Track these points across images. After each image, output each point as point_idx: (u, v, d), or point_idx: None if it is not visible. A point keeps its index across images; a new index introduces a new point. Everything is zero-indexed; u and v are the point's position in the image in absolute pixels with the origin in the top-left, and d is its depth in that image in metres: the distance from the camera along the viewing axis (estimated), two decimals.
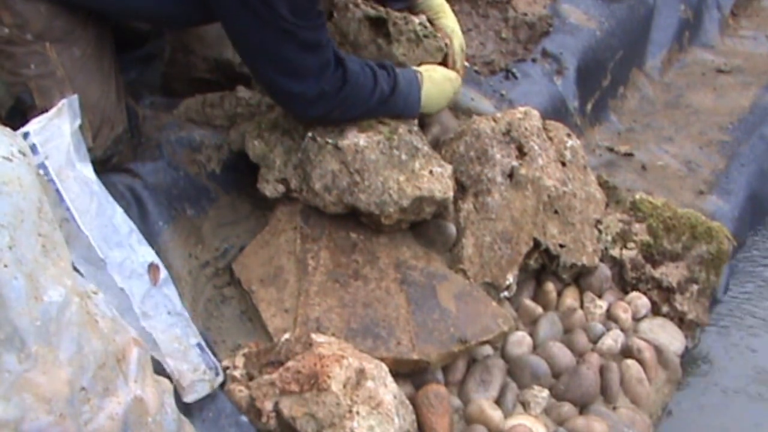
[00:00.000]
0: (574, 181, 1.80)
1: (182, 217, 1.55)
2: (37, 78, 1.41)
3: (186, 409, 1.28)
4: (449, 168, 1.62)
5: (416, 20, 1.69)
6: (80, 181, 1.21)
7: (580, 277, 1.81)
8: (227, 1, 1.35)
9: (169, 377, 1.22)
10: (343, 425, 1.26)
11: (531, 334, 1.68)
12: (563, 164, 1.81)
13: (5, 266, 0.94)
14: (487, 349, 1.63)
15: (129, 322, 1.17)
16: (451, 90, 1.67)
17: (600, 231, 1.85)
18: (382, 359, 1.40)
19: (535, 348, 1.67)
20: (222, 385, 1.35)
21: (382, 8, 1.69)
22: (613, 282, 1.86)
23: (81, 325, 1.00)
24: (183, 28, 1.76)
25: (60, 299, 0.98)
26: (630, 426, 1.59)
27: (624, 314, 1.78)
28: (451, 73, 1.67)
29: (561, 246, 1.73)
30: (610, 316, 1.79)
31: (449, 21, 1.74)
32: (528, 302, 1.73)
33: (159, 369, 1.22)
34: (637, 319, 1.82)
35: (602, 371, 1.65)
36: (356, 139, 1.53)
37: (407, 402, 1.42)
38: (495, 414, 1.51)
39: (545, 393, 1.58)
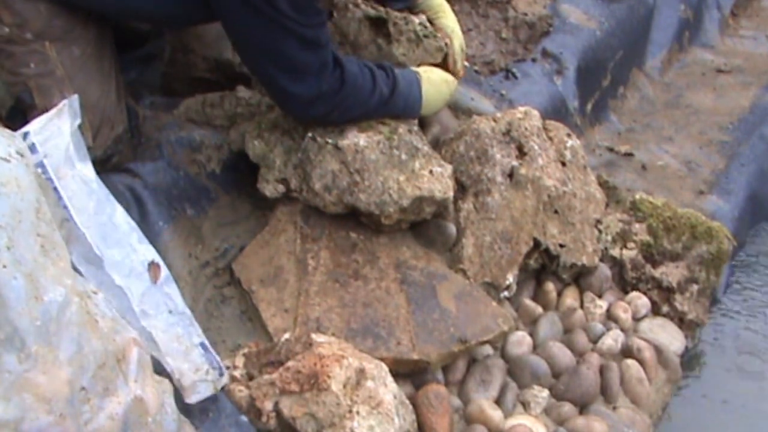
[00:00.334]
0: (574, 181, 1.80)
1: (182, 217, 1.55)
2: (36, 77, 1.41)
3: (186, 409, 1.28)
4: (449, 168, 1.62)
5: (416, 20, 1.69)
6: (79, 179, 1.21)
7: (580, 277, 1.81)
8: (227, 1, 1.35)
9: (169, 377, 1.22)
10: (343, 425, 1.26)
11: (531, 334, 1.68)
12: (563, 164, 1.81)
13: (4, 267, 0.94)
14: (487, 349, 1.63)
15: (128, 321, 1.17)
16: (447, 91, 1.68)
17: (600, 231, 1.85)
18: (382, 359, 1.40)
19: (535, 348, 1.67)
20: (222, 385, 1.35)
21: (382, 8, 1.69)
22: (613, 282, 1.87)
23: (81, 325, 1.00)
24: (183, 28, 1.76)
25: (60, 299, 0.98)
26: (630, 426, 1.59)
27: (624, 314, 1.78)
28: (447, 75, 1.68)
29: (561, 246, 1.73)
30: (610, 316, 1.79)
31: (449, 21, 1.74)
32: (528, 302, 1.73)
33: (160, 369, 1.22)
34: (637, 319, 1.82)
35: (602, 371, 1.65)
36: (356, 139, 1.53)
37: (407, 402, 1.42)
38: (495, 414, 1.51)
39: (545, 393, 1.58)
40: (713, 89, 2.63)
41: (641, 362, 1.70)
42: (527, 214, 1.71)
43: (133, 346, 1.10)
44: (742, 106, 2.52)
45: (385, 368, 1.37)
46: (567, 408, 1.58)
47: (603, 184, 1.96)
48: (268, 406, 1.30)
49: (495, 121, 1.76)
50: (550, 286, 1.77)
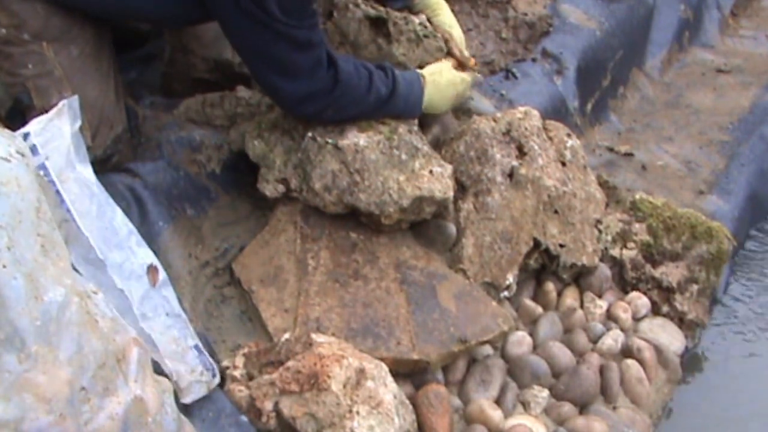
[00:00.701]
0: (574, 181, 1.80)
1: (182, 217, 1.55)
2: (35, 78, 1.41)
3: (186, 409, 1.28)
4: (449, 168, 1.62)
5: (416, 20, 1.68)
6: (80, 182, 1.21)
7: (580, 277, 1.81)
8: (221, 1, 1.36)
9: (168, 378, 1.22)
10: (343, 425, 1.26)
11: (531, 334, 1.68)
12: (563, 164, 1.81)
13: (4, 267, 0.94)
14: (487, 349, 1.63)
15: (128, 323, 1.17)
16: (454, 93, 1.67)
17: (600, 231, 1.85)
18: (382, 359, 1.40)
19: (535, 348, 1.67)
20: (222, 385, 1.35)
21: (382, 8, 1.69)
22: (613, 282, 1.86)
23: (81, 324, 1.00)
24: (182, 27, 1.76)
25: (60, 299, 0.98)
26: (630, 426, 1.59)
27: (624, 314, 1.78)
28: (457, 77, 1.67)
29: (561, 246, 1.73)
30: (610, 316, 1.79)
31: (447, 17, 1.74)
32: (528, 302, 1.73)
33: (158, 370, 1.22)
34: (637, 319, 1.82)
35: (602, 371, 1.65)
36: (356, 139, 1.53)
37: (407, 402, 1.42)
38: (495, 414, 1.51)
39: (545, 393, 1.58)
40: (713, 89, 2.63)
41: (641, 362, 1.70)
42: (527, 214, 1.71)
43: (133, 345, 1.10)
44: (742, 106, 2.52)
45: (385, 368, 1.37)
46: (567, 408, 1.58)
47: (603, 184, 1.96)
48: (268, 406, 1.30)
49: (495, 121, 1.76)
50: (550, 286, 1.77)
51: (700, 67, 2.75)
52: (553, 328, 1.71)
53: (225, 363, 1.39)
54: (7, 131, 1.08)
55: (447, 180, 1.59)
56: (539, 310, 1.73)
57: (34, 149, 1.14)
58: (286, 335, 1.40)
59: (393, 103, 1.55)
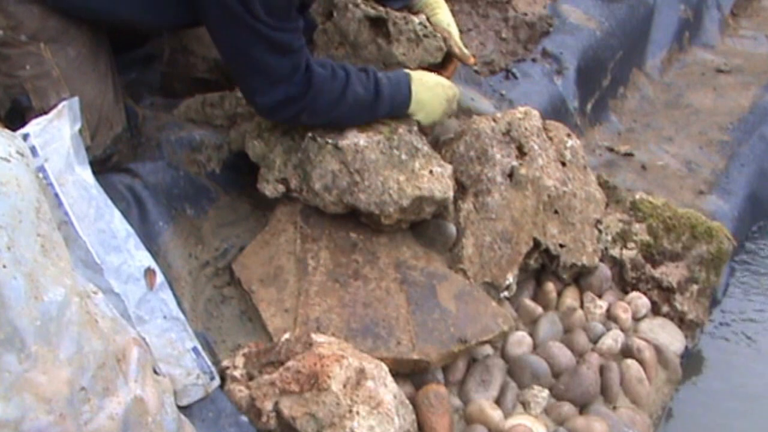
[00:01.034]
0: (574, 181, 1.80)
1: (182, 217, 1.55)
2: (33, 79, 1.41)
3: (186, 409, 1.28)
4: (449, 168, 1.62)
5: (416, 20, 1.68)
6: (79, 185, 1.21)
7: (580, 277, 1.81)
8: (206, 2, 1.37)
9: None
10: (343, 425, 1.26)
11: (531, 334, 1.68)
12: (563, 164, 1.81)
13: (4, 266, 0.94)
14: (487, 349, 1.63)
15: None
16: (443, 95, 1.64)
17: (600, 231, 1.85)
18: (382, 359, 1.40)
19: (535, 348, 1.67)
20: (222, 385, 1.35)
21: (381, 8, 1.69)
22: (613, 282, 1.86)
23: (81, 324, 1.00)
24: (174, 32, 1.77)
25: (60, 299, 0.98)
26: (630, 426, 1.59)
27: (624, 314, 1.78)
28: (444, 80, 1.66)
29: (561, 246, 1.73)
30: (610, 316, 1.79)
31: (445, 16, 1.74)
32: (528, 302, 1.73)
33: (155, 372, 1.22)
34: (637, 319, 1.82)
35: (602, 371, 1.65)
36: (356, 139, 1.53)
37: (407, 402, 1.42)
38: (495, 414, 1.51)
39: (545, 393, 1.58)
40: (713, 89, 2.63)
41: (641, 362, 1.70)
42: (527, 214, 1.71)
43: (133, 345, 1.10)
44: (742, 106, 2.52)
45: (385, 368, 1.37)
46: (567, 408, 1.58)
47: (603, 184, 1.96)
48: (268, 406, 1.30)
49: (495, 121, 1.76)
50: (550, 286, 1.77)
51: (700, 67, 2.76)
52: (553, 328, 1.71)
53: (225, 363, 1.39)
54: (7, 131, 1.08)
55: (447, 180, 1.59)
56: (539, 310, 1.73)
57: (33, 150, 1.14)
58: (286, 335, 1.40)
59: (379, 105, 1.54)
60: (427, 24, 1.70)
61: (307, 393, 1.28)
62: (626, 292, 1.86)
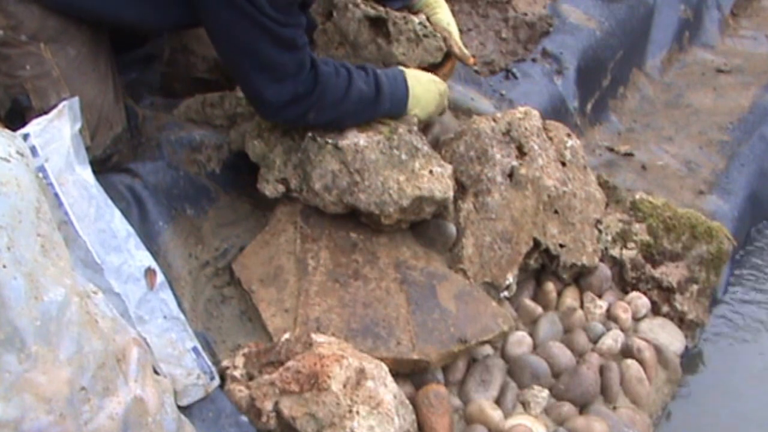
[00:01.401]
0: (574, 181, 1.80)
1: (182, 217, 1.55)
2: (33, 79, 1.41)
3: (186, 409, 1.28)
4: (449, 168, 1.62)
5: (416, 20, 1.68)
6: (79, 185, 1.21)
7: (580, 277, 1.81)
8: (207, 0, 1.36)
9: None
10: (343, 425, 1.26)
11: (531, 334, 1.68)
12: (563, 164, 1.81)
13: (4, 267, 0.94)
14: (487, 349, 1.63)
15: None
16: (436, 91, 1.65)
17: (600, 231, 1.85)
18: (382, 359, 1.40)
19: (535, 348, 1.67)
20: (222, 385, 1.35)
21: (381, 8, 1.69)
22: (613, 282, 1.86)
23: (81, 324, 1.00)
24: (172, 32, 1.77)
25: (60, 299, 0.98)
26: (630, 426, 1.59)
27: (624, 314, 1.78)
28: (435, 77, 1.66)
29: (561, 246, 1.73)
30: (610, 316, 1.79)
31: (445, 15, 1.74)
32: (528, 302, 1.73)
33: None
34: (637, 319, 1.82)
35: (602, 371, 1.65)
36: (356, 139, 1.53)
37: (407, 402, 1.42)
38: (495, 414, 1.51)
39: (545, 393, 1.58)
40: (713, 89, 2.63)
41: (641, 362, 1.70)
42: (527, 214, 1.71)
43: (133, 345, 1.10)
44: (742, 106, 2.52)
45: (385, 368, 1.37)
46: (567, 408, 1.58)
47: (603, 184, 1.96)
48: (268, 406, 1.30)
49: (495, 121, 1.76)
50: (550, 286, 1.77)
51: (700, 67, 2.76)
52: (553, 328, 1.71)
53: (225, 363, 1.39)
54: (7, 131, 1.08)
55: (447, 180, 1.59)
56: (539, 310, 1.73)
57: (33, 150, 1.14)
58: (286, 335, 1.40)
59: (380, 101, 1.54)
60: (427, 24, 1.70)
61: (307, 393, 1.28)
62: (626, 292, 1.86)
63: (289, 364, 1.31)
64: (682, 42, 2.81)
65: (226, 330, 1.49)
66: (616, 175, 2.14)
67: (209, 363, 1.33)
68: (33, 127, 1.17)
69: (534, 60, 2.22)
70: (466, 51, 1.72)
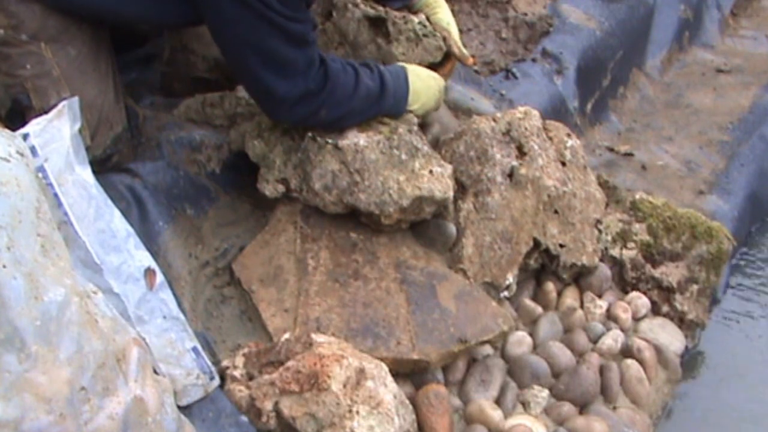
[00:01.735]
0: (574, 181, 1.80)
1: (182, 217, 1.55)
2: (33, 78, 1.41)
3: (186, 409, 1.28)
4: (449, 168, 1.62)
5: (415, 19, 1.68)
6: (79, 185, 1.21)
7: (580, 277, 1.81)
8: None
9: None
10: (343, 425, 1.26)
11: (531, 334, 1.68)
12: (563, 164, 1.81)
13: (4, 266, 0.94)
14: (487, 349, 1.63)
15: None
16: (436, 86, 1.65)
17: (600, 231, 1.85)
18: (382, 359, 1.40)
19: (535, 348, 1.67)
20: (222, 385, 1.35)
21: (381, 8, 1.69)
22: (613, 282, 1.86)
23: (81, 324, 1.00)
24: (174, 30, 1.76)
25: (60, 299, 0.98)
26: (630, 426, 1.59)
27: (624, 314, 1.78)
28: (433, 73, 1.66)
29: (561, 246, 1.73)
30: (610, 316, 1.79)
31: (445, 15, 1.74)
32: (528, 302, 1.73)
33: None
34: (637, 319, 1.82)
35: (602, 371, 1.65)
36: (356, 138, 1.53)
37: (407, 402, 1.42)
38: (495, 414, 1.51)
39: (545, 393, 1.58)
40: (713, 89, 2.63)
41: (641, 362, 1.70)
42: (527, 214, 1.71)
43: (133, 345, 1.10)
44: (742, 106, 2.52)
45: (385, 368, 1.37)
46: (567, 408, 1.58)
47: (603, 184, 1.96)
48: (268, 406, 1.30)
49: (495, 121, 1.76)
50: (550, 286, 1.77)
51: (700, 67, 2.76)
52: (553, 328, 1.71)
53: (225, 363, 1.39)
54: (6, 131, 1.08)
55: (447, 180, 1.59)
56: (539, 310, 1.73)
57: (33, 150, 1.14)
58: (286, 335, 1.40)
59: (385, 97, 1.54)
60: (427, 24, 1.70)
61: (307, 393, 1.28)
62: (626, 292, 1.86)
63: (289, 364, 1.31)
64: (682, 42, 2.81)
65: (226, 330, 1.49)
66: (616, 175, 2.14)
67: (209, 363, 1.33)
68: (33, 126, 1.17)
69: (534, 60, 2.22)
70: (465, 51, 1.72)
